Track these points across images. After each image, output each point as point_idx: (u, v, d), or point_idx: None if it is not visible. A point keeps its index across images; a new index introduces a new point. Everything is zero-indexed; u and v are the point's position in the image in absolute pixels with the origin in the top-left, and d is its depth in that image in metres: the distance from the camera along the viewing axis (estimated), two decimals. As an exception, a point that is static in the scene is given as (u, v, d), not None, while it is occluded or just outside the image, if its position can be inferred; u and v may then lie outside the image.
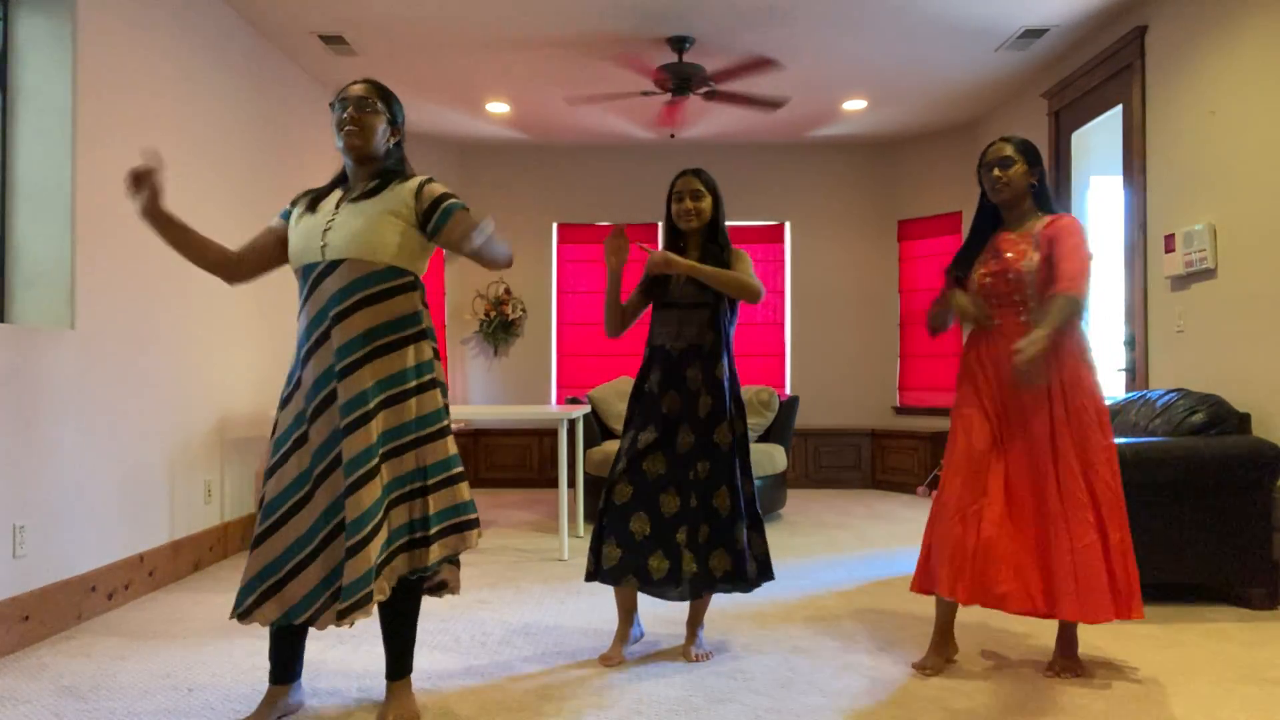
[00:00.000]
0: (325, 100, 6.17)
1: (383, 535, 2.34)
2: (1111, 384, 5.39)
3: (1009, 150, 2.91)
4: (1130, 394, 4.27)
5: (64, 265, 3.50)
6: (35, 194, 3.50)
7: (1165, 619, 3.48)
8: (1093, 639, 3.22)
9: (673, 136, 7.33)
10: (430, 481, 2.43)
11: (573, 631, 3.36)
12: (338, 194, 2.50)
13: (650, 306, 3.17)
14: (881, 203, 7.84)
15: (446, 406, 2.50)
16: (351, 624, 2.27)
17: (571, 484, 6.47)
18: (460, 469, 2.49)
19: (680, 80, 5.35)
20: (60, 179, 3.50)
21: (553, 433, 7.59)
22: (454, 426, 7.29)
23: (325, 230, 2.41)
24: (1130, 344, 4.85)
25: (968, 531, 2.77)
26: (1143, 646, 3.14)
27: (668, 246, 3.16)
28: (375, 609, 2.40)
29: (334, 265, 2.38)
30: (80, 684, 2.80)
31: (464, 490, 2.49)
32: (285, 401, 2.45)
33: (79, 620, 3.48)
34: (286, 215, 2.55)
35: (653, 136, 7.45)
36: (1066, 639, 2.90)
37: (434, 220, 2.42)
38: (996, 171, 2.91)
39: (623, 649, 3.06)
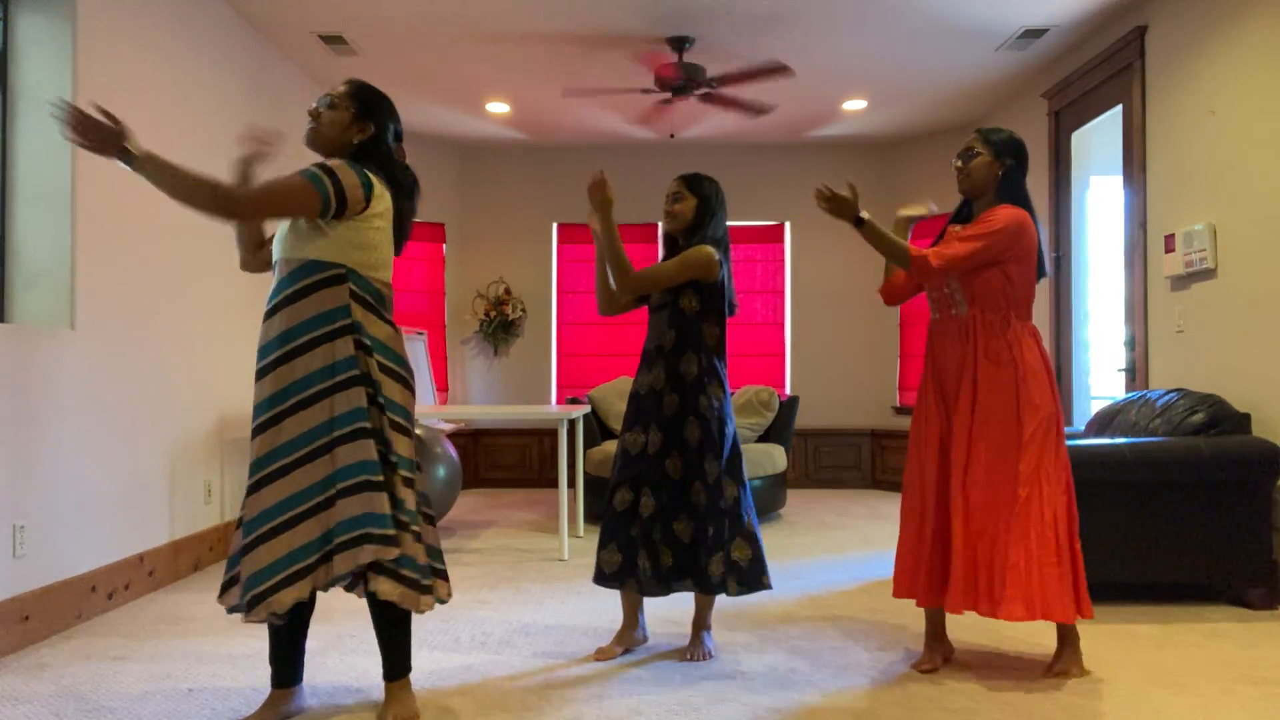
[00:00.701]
0: (325, 100, 6.17)
1: (285, 542, 2.28)
2: (1112, 384, 5.39)
3: (974, 142, 2.91)
4: (1130, 394, 4.27)
5: (64, 265, 3.50)
6: (35, 194, 3.50)
7: (1165, 619, 3.48)
8: (1093, 639, 3.22)
9: (672, 136, 7.32)
10: (340, 486, 2.29)
11: (573, 631, 3.36)
12: None
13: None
14: (881, 203, 7.83)
15: (379, 404, 2.37)
16: (262, 620, 2.27)
17: (571, 484, 6.47)
18: (376, 478, 2.30)
19: (687, 80, 5.34)
20: (60, 179, 3.50)
21: (553, 433, 7.59)
22: (454, 426, 7.30)
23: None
24: (1130, 344, 4.85)
25: (918, 537, 2.91)
26: (1143, 646, 3.14)
27: (665, 247, 3.24)
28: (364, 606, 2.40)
29: (275, 265, 2.42)
30: (80, 684, 2.80)
31: (372, 501, 2.29)
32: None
33: (79, 620, 3.48)
34: None
35: (653, 136, 7.45)
36: (1067, 640, 2.89)
37: None
38: (958, 163, 2.94)
39: (620, 648, 3.06)
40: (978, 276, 2.82)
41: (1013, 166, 2.88)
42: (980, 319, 2.84)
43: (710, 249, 3.01)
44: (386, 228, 2.45)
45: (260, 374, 2.36)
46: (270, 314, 2.37)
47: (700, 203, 3.08)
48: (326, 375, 2.33)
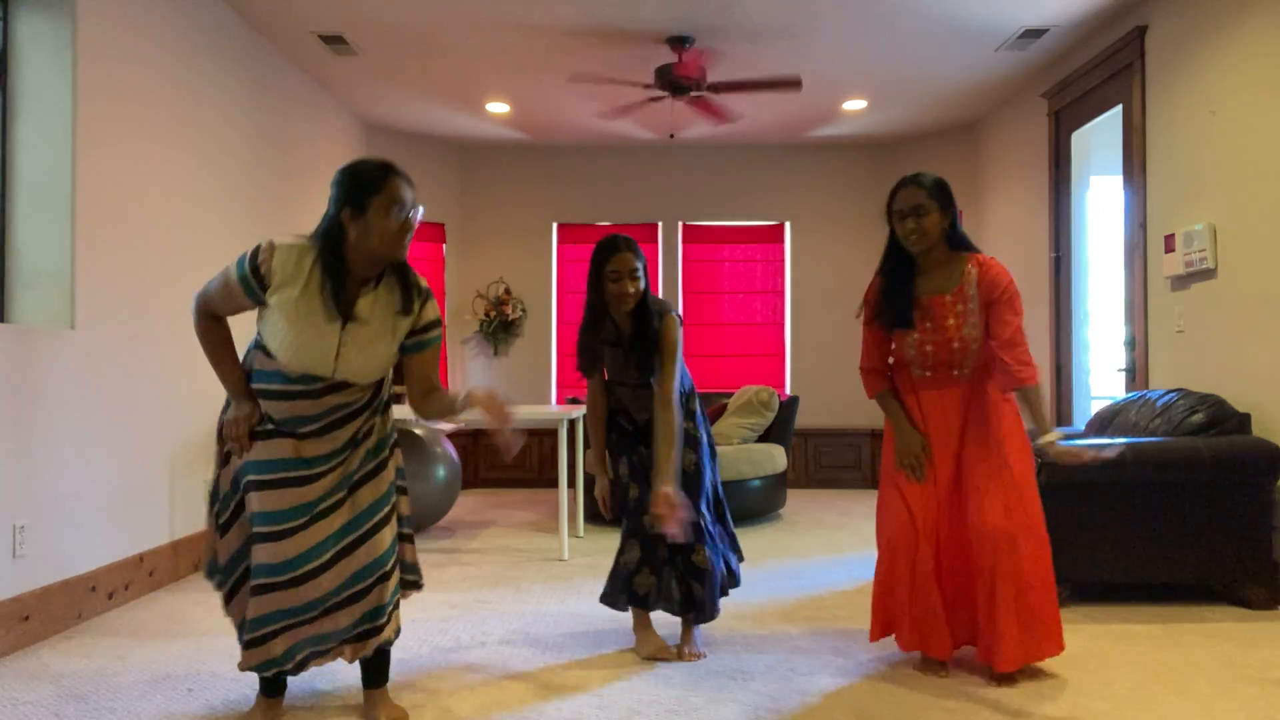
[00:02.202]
0: (325, 100, 6.17)
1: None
2: (1112, 384, 5.39)
3: (922, 197, 2.75)
4: (1130, 394, 4.27)
5: (64, 265, 3.50)
6: (35, 194, 3.50)
7: (1165, 619, 3.48)
8: (1093, 639, 3.22)
9: (672, 136, 7.32)
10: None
11: (573, 631, 3.36)
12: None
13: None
14: (881, 203, 7.79)
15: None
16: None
17: (571, 484, 6.47)
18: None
19: (674, 81, 5.34)
20: (60, 179, 3.50)
21: (553, 433, 7.59)
22: (454, 426, 7.30)
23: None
24: (1130, 344, 4.85)
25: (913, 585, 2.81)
26: (1143, 646, 3.14)
27: (594, 320, 3.02)
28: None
29: (319, 384, 2.38)
30: (80, 684, 2.80)
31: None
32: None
33: (79, 620, 3.48)
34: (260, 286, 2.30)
35: (653, 136, 7.45)
36: None
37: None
38: (911, 223, 2.76)
39: (654, 644, 3.08)
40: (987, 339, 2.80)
41: (955, 213, 2.81)
42: (979, 371, 2.83)
43: (671, 314, 2.98)
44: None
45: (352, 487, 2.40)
46: (337, 422, 2.37)
47: (643, 264, 2.98)
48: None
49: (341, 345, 2.28)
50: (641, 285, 2.93)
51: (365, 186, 2.22)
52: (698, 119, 6.81)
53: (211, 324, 2.37)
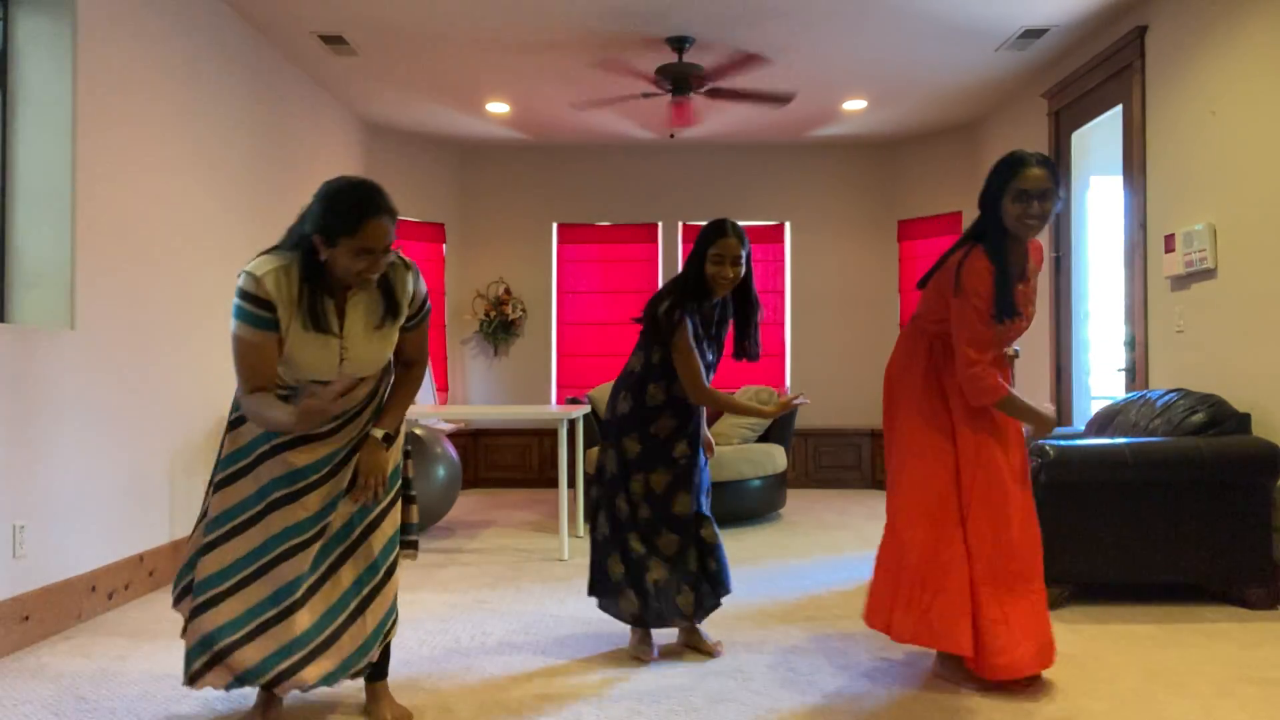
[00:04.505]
0: (325, 100, 6.17)
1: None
2: (1112, 384, 5.40)
3: (1050, 181, 2.52)
4: (1130, 394, 4.27)
5: (64, 265, 3.50)
6: (35, 194, 3.51)
7: (1165, 619, 3.48)
8: (1093, 639, 3.22)
9: (672, 136, 7.32)
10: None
11: (573, 631, 3.36)
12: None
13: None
14: (881, 203, 7.84)
15: None
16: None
17: (571, 484, 6.47)
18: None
19: (676, 80, 5.34)
20: (60, 179, 3.50)
21: (553, 433, 7.59)
22: (454, 426, 7.30)
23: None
24: (1130, 344, 4.85)
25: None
26: (1143, 646, 3.14)
27: (683, 301, 2.96)
28: None
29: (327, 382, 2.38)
30: (80, 684, 2.80)
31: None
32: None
33: (79, 620, 3.48)
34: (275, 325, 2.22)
35: (653, 136, 7.45)
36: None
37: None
38: (1037, 207, 2.52)
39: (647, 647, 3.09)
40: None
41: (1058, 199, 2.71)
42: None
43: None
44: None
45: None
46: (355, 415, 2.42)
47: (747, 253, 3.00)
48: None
49: (344, 350, 2.31)
50: (742, 272, 2.97)
51: (339, 224, 2.14)
52: (718, 116, 6.81)
53: (262, 394, 2.21)
